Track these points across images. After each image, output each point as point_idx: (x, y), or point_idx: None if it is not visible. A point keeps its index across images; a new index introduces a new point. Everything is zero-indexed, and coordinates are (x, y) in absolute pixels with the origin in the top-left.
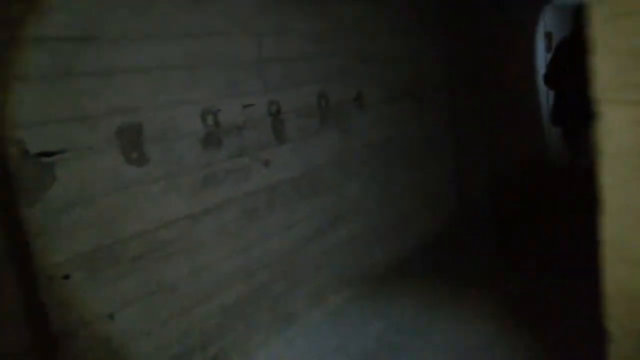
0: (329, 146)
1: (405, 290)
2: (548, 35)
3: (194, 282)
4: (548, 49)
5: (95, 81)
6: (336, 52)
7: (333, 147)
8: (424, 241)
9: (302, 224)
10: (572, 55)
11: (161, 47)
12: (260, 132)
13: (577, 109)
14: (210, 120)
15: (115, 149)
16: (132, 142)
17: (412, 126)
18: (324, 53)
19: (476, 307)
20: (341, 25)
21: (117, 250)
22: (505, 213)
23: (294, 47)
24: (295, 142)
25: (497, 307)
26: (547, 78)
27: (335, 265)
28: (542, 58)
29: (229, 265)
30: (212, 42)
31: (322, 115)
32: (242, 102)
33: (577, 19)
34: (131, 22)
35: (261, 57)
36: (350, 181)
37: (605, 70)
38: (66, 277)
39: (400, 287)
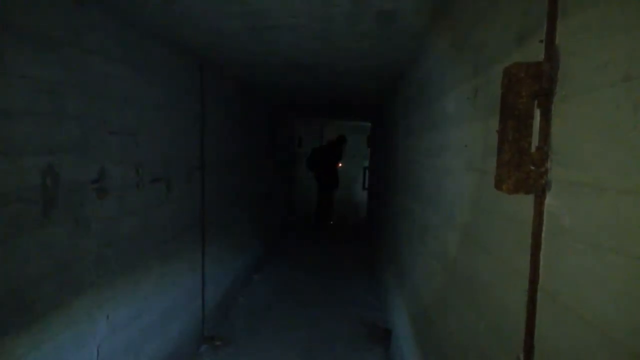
0: (50, 246)
1: None
2: (299, 138)
3: None
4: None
5: None
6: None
7: (57, 247)
8: None
9: None
10: (323, 154)
11: None
12: None
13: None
14: None
15: None
16: None
17: (162, 216)
18: (56, 112)
19: None
20: (85, 79)
21: None
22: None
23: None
24: None
25: None
26: (309, 164)
27: None
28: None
29: None
30: None
31: (45, 201)
32: None
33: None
34: None
35: None
36: (76, 299)
37: None
38: None
39: None
